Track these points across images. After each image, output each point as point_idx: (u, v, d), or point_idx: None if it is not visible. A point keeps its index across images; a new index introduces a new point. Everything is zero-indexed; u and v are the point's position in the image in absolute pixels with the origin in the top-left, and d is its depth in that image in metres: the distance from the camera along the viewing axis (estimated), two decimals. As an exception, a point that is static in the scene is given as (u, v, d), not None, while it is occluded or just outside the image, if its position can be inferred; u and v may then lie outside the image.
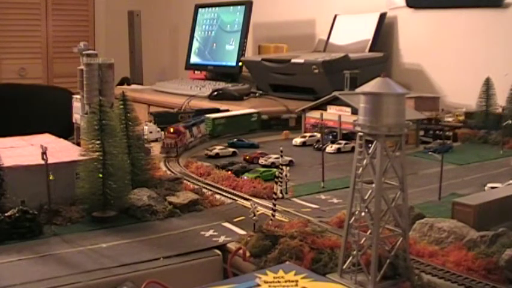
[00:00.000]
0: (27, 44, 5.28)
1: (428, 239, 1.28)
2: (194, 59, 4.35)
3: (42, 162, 1.40)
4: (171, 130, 2.17)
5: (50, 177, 1.40)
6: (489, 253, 1.16)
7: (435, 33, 3.43)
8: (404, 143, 1.09)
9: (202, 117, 2.46)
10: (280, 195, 1.63)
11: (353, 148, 1.99)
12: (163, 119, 2.56)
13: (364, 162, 1.08)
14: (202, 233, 1.39)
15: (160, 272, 1.20)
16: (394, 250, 1.08)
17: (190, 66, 4.41)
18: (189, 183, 1.76)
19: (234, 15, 4.00)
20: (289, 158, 2.05)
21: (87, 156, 1.46)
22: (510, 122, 2.41)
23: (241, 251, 1.23)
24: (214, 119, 2.50)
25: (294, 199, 1.67)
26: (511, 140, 2.38)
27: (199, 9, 4.38)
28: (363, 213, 1.08)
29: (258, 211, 1.38)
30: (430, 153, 2.12)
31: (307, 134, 2.51)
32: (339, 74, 2.68)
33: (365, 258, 1.07)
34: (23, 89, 4.03)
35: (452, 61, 3.34)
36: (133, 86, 4.36)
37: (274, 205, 1.39)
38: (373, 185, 1.06)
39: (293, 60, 3.33)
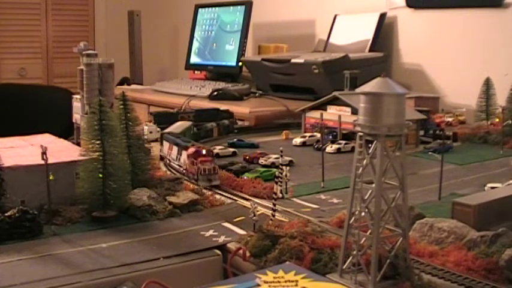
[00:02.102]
0: (27, 44, 5.28)
1: (428, 239, 1.28)
2: (194, 59, 4.35)
3: (42, 162, 1.40)
4: (204, 152, 1.78)
5: (50, 177, 1.40)
6: (489, 253, 1.16)
7: (435, 33, 3.43)
8: (405, 143, 1.09)
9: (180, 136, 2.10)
10: (280, 195, 1.63)
11: (353, 148, 1.99)
12: (163, 119, 2.56)
13: (364, 162, 1.08)
14: (202, 233, 1.39)
15: (160, 272, 1.20)
16: (394, 250, 1.08)
17: (190, 66, 4.41)
18: (189, 183, 1.76)
19: (234, 15, 4.00)
20: (289, 158, 2.05)
21: (87, 156, 1.46)
22: (510, 122, 2.41)
23: (241, 251, 1.23)
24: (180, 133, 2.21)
25: (294, 199, 1.67)
26: (511, 140, 2.38)
27: (199, 9, 4.38)
28: (363, 213, 1.08)
29: (258, 211, 1.38)
30: (430, 153, 2.12)
31: (307, 134, 2.50)
32: (339, 74, 2.68)
33: (365, 258, 1.07)
34: (23, 89, 4.03)
35: (453, 61, 3.34)
36: (133, 86, 4.36)
37: (274, 205, 1.39)
38: (373, 185, 1.06)
39: (293, 60, 3.33)
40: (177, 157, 1.92)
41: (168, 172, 1.91)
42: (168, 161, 2.00)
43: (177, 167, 1.90)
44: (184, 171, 1.84)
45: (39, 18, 5.32)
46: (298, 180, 1.85)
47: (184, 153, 1.85)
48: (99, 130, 1.46)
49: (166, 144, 2.04)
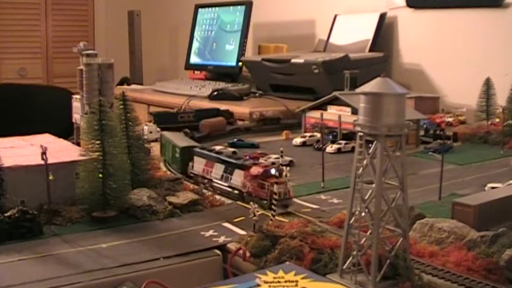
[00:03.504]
0: (27, 44, 5.28)
1: (429, 239, 1.28)
2: (194, 59, 4.35)
3: (42, 162, 1.40)
4: (273, 172, 1.54)
5: (50, 177, 1.40)
6: (489, 253, 1.16)
7: (435, 33, 3.43)
8: (405, 143, 1.09)
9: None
10: (281, 196, 1.63)
11: (353, 148, 1.98)
12: (163, 119, 2.56)
13: (364, 162, 1.08)
14: (202, 233, 1.39)
15: (160, 272, 1.20)
16: (394, 250, 1.08)
17: (190, 66, 4.41)
18: (189, 183, 1.76)
19: (234, 15, 4.00)
20: (289, 158, 2.05)
21: (87, 156, 1.46)
22: (510, 122, 2.41)
23: (241, 251, 1.23)
24: None
25: (294, 199, 1.66)
26: (511, 140, 2.37)
27: (199, 9, 4.38)
28: (363, 213, 1.08)
29: (258, 211, 1.38)
30: (430, 153, 2.12)
31: (307, 134, 2.50)
32: (339, 74, 2.68)
33: (365, 258, 1.07)
34: (23, 89, 4.03)
35: (452, 61, 3.34)
36: (133, 86, 4.36)
37: (274, 205, 1.39)
38: (373, 185, 1.06)
39: (293, 60, 3.33)
40: (224, 176, 1.68)
41: (168, 172, 1.91)
42: (208, 181, 1.73)
43: (227, 189, 1.66)
44: (245, 194, 1.60)
45: (39, 18, 5.31)
46: (298, 180, 1.85)
47: (238, 173, 1.63)
48: (99, 130, 1.46)
49: (200, 160, 1.78)
